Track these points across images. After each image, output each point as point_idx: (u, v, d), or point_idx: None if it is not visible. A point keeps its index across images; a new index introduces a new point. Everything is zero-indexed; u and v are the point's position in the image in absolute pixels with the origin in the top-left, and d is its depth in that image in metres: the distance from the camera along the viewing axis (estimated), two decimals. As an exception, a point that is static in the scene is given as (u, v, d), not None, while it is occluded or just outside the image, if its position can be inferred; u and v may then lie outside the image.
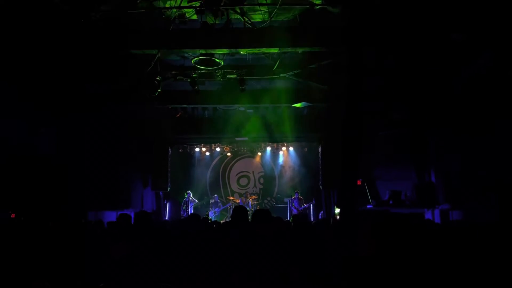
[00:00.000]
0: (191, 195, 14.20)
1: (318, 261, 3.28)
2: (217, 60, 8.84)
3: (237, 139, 13.93)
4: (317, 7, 7.37)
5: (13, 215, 7.79)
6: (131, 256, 3.89)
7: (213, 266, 3.64)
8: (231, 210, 13.40)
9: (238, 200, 15.59)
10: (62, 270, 3.28)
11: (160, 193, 14.22)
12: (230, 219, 5.30)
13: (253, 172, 17.03)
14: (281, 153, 16.42)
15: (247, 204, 14.98)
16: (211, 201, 15.03)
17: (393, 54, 8.18)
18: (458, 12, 6.65)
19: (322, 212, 13.92)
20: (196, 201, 14.48)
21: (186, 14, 7.59)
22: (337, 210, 12.06)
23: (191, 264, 3.73)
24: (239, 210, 4.23)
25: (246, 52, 8.78)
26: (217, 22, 7.74)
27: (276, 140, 14.79)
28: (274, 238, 3.36)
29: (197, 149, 16.09)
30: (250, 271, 3.31)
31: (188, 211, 13.85)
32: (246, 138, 13.79)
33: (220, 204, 15.16)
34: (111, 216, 11.24)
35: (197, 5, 7.30)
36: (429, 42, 7.51)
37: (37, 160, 8.99)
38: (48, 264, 3.29)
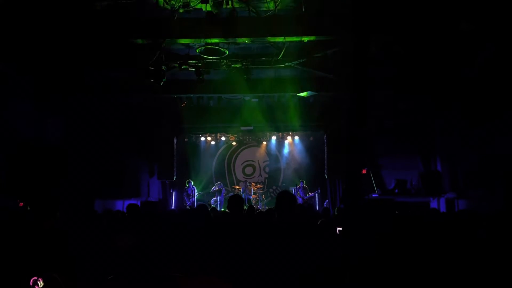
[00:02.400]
0: (192, 183, 14.27)
1: (321, 254, 3.29)
2: (222, 49, 8.79)
3: (243, 128, 13.93)
4: (323, -5, 7.31)
5: (21, 204, 7.87)
6: (138, 246, 3.93)
7: (221, 256, 3.67)
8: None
9: (239, 187, 15.70)
10: (69, 262, 3.32)
11: (166, 182, 14.32)
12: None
13: (258, 161, 17.08)
14: (286, 142, 16.43)
15: (250, 192, 15.05)
16: (215, 188, 15.09)
17: (400, 42, 8.10)
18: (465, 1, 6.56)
19: (327, 201, 13.97)
20: (195, 189, 14.53)
21: (191, 3, 7.54)
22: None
23: (199, 253, 3.76)
24: (234, 200, 4.24)
25: (251, 41, 8.73)
26: (221, 11, 7.69)
27: (281, 129, 14.80)
28: (278, 231, 3.38)
29: (202, 139, 16.14)
30: (255, 263, 3.33)
31: (191, 200, 13.96)
32: (251, 127, 13.79)
33: (224, 192, 15.24)
34: (118, 205, 11.35)
35: (201, -7, 7.24)
36: (437, 31, 7.43)
37: (44, 149, 9.06)
38: (55, 255, 3.33)
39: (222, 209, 14.09)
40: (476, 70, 8.11)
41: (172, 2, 7.61)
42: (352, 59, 5.61)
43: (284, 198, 3.51)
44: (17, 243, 3.42)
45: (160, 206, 13.15)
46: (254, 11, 7.77)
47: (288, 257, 3.16)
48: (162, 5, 7.59)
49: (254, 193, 15.37)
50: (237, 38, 8.48)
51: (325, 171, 13.44)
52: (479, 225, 4.51)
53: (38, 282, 2.73)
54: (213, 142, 16.47)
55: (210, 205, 13.64)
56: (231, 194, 15.54)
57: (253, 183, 15.78)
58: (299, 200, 13.96)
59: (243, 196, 14.55)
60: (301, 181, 14.52)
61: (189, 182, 14.27)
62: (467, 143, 9.32)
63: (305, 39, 8.62)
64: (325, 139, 13.61)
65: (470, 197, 9.47)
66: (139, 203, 11.67)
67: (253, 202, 14.92)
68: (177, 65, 9.81)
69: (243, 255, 3.34)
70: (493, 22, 6.65)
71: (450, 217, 6.50)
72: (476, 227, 4.47)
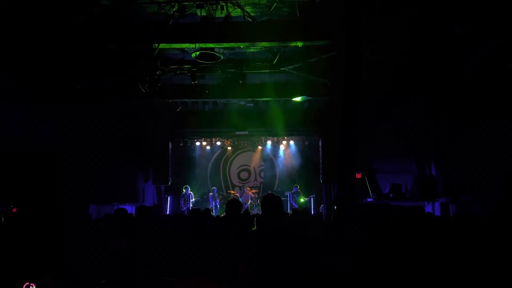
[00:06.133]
0: (189, 189, 14.24)
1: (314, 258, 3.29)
2: (217, 54, 8.81)
3: (238, 133, 13.93)
4: (317, 0, 7.35)
5: (14, 210, 7.82)
6: (132, 250, 3.92)
7: (214, 260, 3.66)
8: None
9: (236, 193, 15.66)
10: (62, 265, 3.31)
11: (161, 187, 14.27)
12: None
13: (253, 166, 17.07)
14: (281, 146, 16.43)
15: (247, 197, 15.02)
16: (210, 194, 15.06)
17: (393, 47, 8.16)
18: (458, 4, 6.63)
19: (322, 205, 13.96)
20: (192, 194, 14.48)
21: (186, 8, 7.56)
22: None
23: (192, 258, 3.75)
24: (232, 204, 4.25)
25: (246, 46, 8.75)
26: (216, 16, 7.72)
27: (276, 134, 14.80)
28: (274, 233, 3.38)
29: (197, 143, 16.12)
30: (251, 266, 3.33)
31: (188, 206, 13.91)
32: (246, 132, 13.79)
33: (218, 197, 15.20)
34: (112, 210, 11.28)
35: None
36: (430, 35, 7.49)
37: (38, 154, 9.02)
38: (49, 259, 3.31)
39: (218, 214, 14.07)
40: (466, 73, 8.17)
41: (167, 7, 7.63)
42: (344, 64, 5.63)
43: (267, 202, 3.49)
44: (10, 248, 3.40)
45: (155, 211, 13.09)
46: (249, 16, 7.81)
47: (281, 261, 3.15)
48: (157, 10, 7.61)
49: (250, 198, 15.35)
50: (232, 43, 8.52)
51: (320, 176, 13.45)
52: (473, 228, 4.53)
53: (31, 287, 2.71)
54: (208, 147, 16.46)
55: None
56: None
57: (248, 188, 15.76)
58: (295, 205, 14.00)
59: (240, 200, 14.56)
60: (295, 186, 14.55)
61: (186, 187, 14.23)
62: (460, 147, 9.37)
63: (300, 44, 8.67)
64: (320, 144, 13.63)
65: (464, 201, 9.51)
66: (134, 208, 11.64)
67: (249, 207, 14.91)
68: (172, 70, 9.82)
69: (237, 259, 3.34)
70: (486, 24, 6.73)
71: (443, 221, 6.52)
72: (470, 230, 4.48)
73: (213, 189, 15.21)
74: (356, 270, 3.67)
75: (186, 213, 13.30)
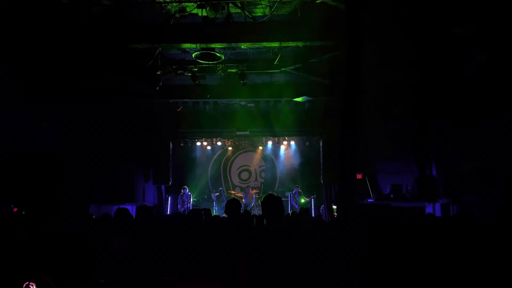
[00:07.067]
0: (187, 189, 14.22)
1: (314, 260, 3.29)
2: (217, 54, 8.82)
3: (238, 133, 13.93)
4: (318, 1, 7.36)
5: (15, 209, 7.84)
6: (132, 250, 3.92)
7: (215, 260, 3.66)
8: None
9: (239, 194, 15.63)
10: (63, 265, 3.31)
11: (162, 187, 14.27)
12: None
13: (254, 166, 17.07)
14: (282, 147, 16.42)
15: (251, 198, 14.99)
16: (216, 194, 15.01)
17: (394, 47, 8.15)
18: (459, 6, 6.63)
19: (323, 206, 13.96)
20: (191, 195, 14.45)
21: (187, 8, 7.58)
22: (334, 206, 12.01)
23: (193, 258, 3.75)
24: (232, 204, 4.25)
25: (247, 46, 8.76)
26: (217, 16, 7.73)
27: (277, 134, 14.80)
28: (273, 235, 3.37)
29: (198, 144, 16.11)
30: (251, 266, 3.33)
31: (187, 206, 13.89)
32: (247, 132, 13.79)
33: (224, 197, 15.19)
34: (112, 210, 11.29)
35: (197, -2, 7.28)
36: (430, 36, 7.49)
37: (39, 154, 9.03)
38: (49, 259, 3.31)
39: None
40: (469, 72, 8.17)
41: (168, 7, 7.64)
42: (345, 64, 5.63)
43: (268, 202, 3.48)
44: (10, 247, 3.40)
45: (155, 211, 13.09)
46: (250, 16, 7.81)
47: (281, 261, 3.15)
48: (158, 10, 7.62)
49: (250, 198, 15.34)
50: (232, 43, 8.52)
51: (321, 176, 13.44)
52: (473, 230, 4.52)
53: (31, 287, 2.71)
54: (209, 147, 16.46)
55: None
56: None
57: (249, 189, 15.74)
58: (295, 206, 13.99)
59: (244, 202, 14.55)
60: (295, 187, 14.53)
61: (184, 188, 14.22)
62: (460, 147, 9.37)
63: (301, 44, 8.68)
64: (320, 144, 13.63)
65: (464, 201, 9.51)
66: (134, 208, 11.65)
67: (252, 208, 14.89)
68: (172, 70, 9.83)
69: (238, 259, 3.33)
70: (487, 25, 6.73)
71: (444, 222, 6.51)
72: (470, 232, 4.47)
73: (220, 189, 15.17)
74: (357, 271, 3.67)
75: (186, 213, 13.29)
